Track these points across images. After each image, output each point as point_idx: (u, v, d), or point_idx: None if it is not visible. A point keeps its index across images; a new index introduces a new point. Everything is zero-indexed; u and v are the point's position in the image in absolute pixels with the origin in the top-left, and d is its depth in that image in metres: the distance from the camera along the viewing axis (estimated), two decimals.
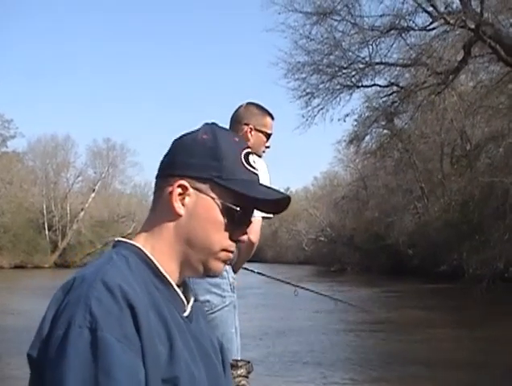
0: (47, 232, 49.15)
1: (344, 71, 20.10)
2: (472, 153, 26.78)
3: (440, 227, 27.63)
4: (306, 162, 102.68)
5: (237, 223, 1.11)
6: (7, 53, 76.11)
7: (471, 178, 25.10)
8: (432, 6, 17.71)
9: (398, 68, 20.25)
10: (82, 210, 50.60)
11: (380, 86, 21.02)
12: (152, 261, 1.08)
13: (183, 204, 1.10)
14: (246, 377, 2.71)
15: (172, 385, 0.99)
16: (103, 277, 0.97)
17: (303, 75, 20.41)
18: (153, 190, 1.16)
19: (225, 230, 1.10)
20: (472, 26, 16.59)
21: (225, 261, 1.13)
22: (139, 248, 1.09)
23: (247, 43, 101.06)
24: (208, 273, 1.12)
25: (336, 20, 19.23)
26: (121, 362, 0.92)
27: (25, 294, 21.13)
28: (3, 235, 43.90)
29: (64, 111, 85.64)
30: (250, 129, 3.11)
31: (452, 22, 16.95)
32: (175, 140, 1.16)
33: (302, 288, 4.62)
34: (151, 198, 1.16)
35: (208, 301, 2.85)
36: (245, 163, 1.12)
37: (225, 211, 1.09)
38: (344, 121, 21.92)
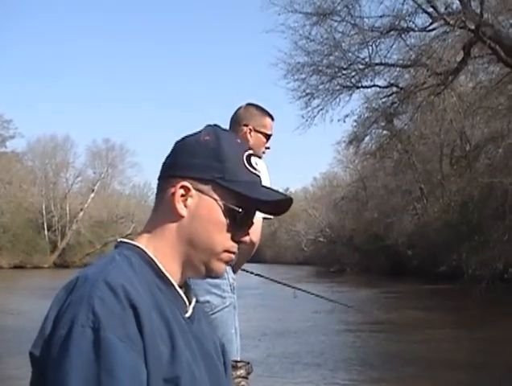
0: (46, 232, 49.16)
1: (343, 71, 20.09)
2: (471, 153, 26.81)
3: (440, 227, 27.65)
4: (305, 163, 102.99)
5: (239, 224, 1.11)
6: (7, 53, 76.35)
7: (470, 178, 25.11)
8: (432, 6, 17.71)
9: (397, 69, 20.25)
10: (81, 210, 50.62)
11: (380, 87, 21.02)
12: (154, 262, 1.08)
13: (185, 205, 1.10)
14: (246, 378, 2.71)
15: (174, 385, 0.99)
16: (106, 277, 0.97)
17: (303, 76, 20.42)
18: (155, 191, 1.16)
19: (227, 231, 1.11)
20: (472, 27, 16.59)
21: (227, 262, 1.13)
22: (142, 249, 1.09)
23: (247, 44, 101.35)
24: (210, 273, 1.13)
25: (335, 21, 19.23)
26: (123, 362, 0.92)
27: (24, 294, 21.13)
28: (2, 235, 43.91)
29: (64, 111, 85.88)
30: (250, 130, 3.10)
31: (451, 22, 16.96)
32: (178, 141, 1.16)
33: (300, 290, 4.61)
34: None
35: (208, 301, 2.85)
36: (247, 165, 1.12)
37: (227, 213, 1.10)
38: (344, 121, 21.95)
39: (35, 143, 52.71)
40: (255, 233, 2.78)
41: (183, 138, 1.16)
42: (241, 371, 2.69)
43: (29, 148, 52.55)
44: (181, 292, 1.11)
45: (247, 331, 10.12)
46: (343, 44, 19.47)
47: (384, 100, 21.42)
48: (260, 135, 3.13)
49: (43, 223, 49.12)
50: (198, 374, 1.04)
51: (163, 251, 1.10)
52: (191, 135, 1.16)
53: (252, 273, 3.91)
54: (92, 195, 52.32)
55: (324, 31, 19.54)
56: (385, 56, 19.43)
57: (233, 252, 1.13)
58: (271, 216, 2.47)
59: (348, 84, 20.46)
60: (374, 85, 20.90)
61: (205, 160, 1.10)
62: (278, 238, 64.14)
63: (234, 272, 3.07)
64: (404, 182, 34.09)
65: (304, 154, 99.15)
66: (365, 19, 18.88)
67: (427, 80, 18.71)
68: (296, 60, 20.30)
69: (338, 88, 20.51)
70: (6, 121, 46.20)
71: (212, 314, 2.86)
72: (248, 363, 2.77)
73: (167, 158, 1.15)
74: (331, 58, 19.94)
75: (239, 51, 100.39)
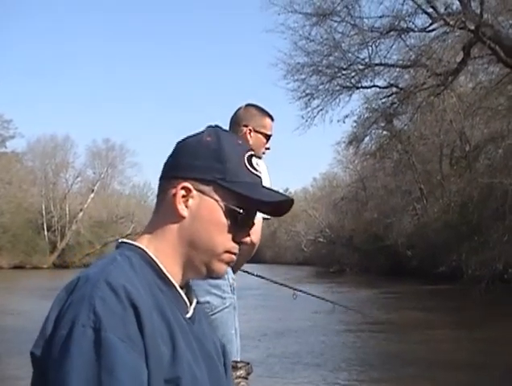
0: (46, 232, 49.14)
1: (343, 72, 20.09)
2: (471, 154, 26.82)
3: (439, 228, 27.64)
4: (305, 163, 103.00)
5: (240, 225, 1.12)
6: (7, 53, 76.41)
7: (470, 179, 25.11)
8: (432, 7, 17.71)
9: (397, 69, 20.25)
10: (81, 210, 50.62)
11: (379, 87, 21.03)
12: (156, 263, 1.08)
13: (186, 206, 1.10)
14: (246, 378, 2.71)
15: (174, 385, 1.00)
16: (107, 277, 0.98)
17: (303, 76, 20.43)
18: (155, 191, 1.16)
19: (229, 232, 1.11)
20: (472, 28, 16.59)
21: (228, 263, 1.13)
22: (143, 250, 1.09)
23: (247, 44, 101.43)
24: (211, 274, 1.13)
25: (335, 21, 19.24)
26: (124, 362, 0.92)
27: (24, 295, 21.13)
28: (2, 235, 43.88)
29: (64, 111, 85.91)
30: (250, 130, 3.09)
31: (451, 23, 16.96)
32: (179, 142, 1.16)
33: (300, 291, 4.60)
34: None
35: (208, 302, 2.84)
36: (248, 166, 1.13)
37: (229, 214, 1.10)
38: (344, 122, 21.96)
39: (34, 143, 52.81)
40: (255, 234, 2.78)
41: (184, 139, 1.16)
42: (241, 372, 2.69)
43: (29, 148, 52.65)
44: (182, 293, 1.11)
45: (247, 332, 10.13)
46: (343, 45, 19.50)
47: (384, 100, 21.45)
48: (260, 135, 3.13)
49: (42, 224, 49.10)
50: (199, 375, 1.05)
51: (164, 252, 1.10)
52: (192, 136, 1.16)
53: (252, 274, 3.90)
54: (92, 195, 52.33)
55: (324, 32, 19.57)
56: (384, 57, 19.47)
57: (234, 253, 1.13)
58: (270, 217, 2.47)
59: (347, 84, 20.47)
60: (374, 86, 20.92)
61: (206, 161, 1.11)
62: (277, 238, 64.15)
63: (234, 272, 3.07)
64: (404, 183, 34.08)
65: (304, 155, 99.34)
66: (365, 20, 18.91)
67: (427, 81, 18.71)
68: (296, 61, 20.33)
69: (338, 88, 20.52)
70: (5, 121, 46.25)
71: (212, 314, 2.86)
72: (248, 364, 2.76)
73: (169, 158, 1.16)
74: (331, 58, 19.95)
75: (239, 51, 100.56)
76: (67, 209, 50.58)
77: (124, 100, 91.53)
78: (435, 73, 18.33)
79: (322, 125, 22.04)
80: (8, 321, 13.96)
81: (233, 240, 1.12)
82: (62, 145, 53.96)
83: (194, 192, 1.10)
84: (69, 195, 52.11)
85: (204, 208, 1.10)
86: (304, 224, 52.12)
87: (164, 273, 1.08)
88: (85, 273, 1.02)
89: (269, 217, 3.14)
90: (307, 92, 20.54)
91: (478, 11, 16.80)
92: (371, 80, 20.52)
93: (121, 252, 1.08)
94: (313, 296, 5.02)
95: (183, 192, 1.10)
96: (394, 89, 20.57)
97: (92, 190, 52.74)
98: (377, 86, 20.93)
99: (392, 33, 18.57)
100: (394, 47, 19.30)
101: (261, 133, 3.13)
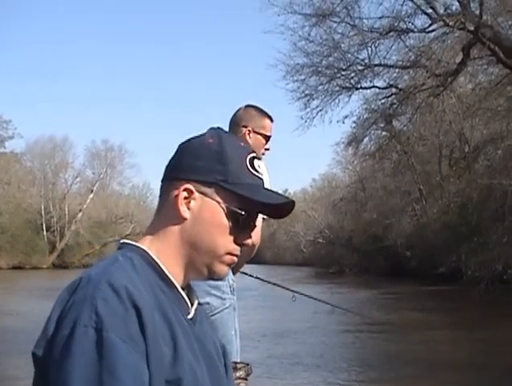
0: (45, 232, 49.07)
1: (343, 72, 20.08)
2: (470, 155, 26.84)
3: (439, 229, 27.65)
4: (304, 164, 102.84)
5: (241, 227, 1.12)
6: (7, 53, 76.22)
7: (469, 180, 25.13)
8: (431, 8, 17.72)
9: (396, 70, 20.25)
10: (80, 211, 50.57)
11: (379, 88, 21.03)
12: (157, 264, 1.09)
13: (188, 208, 1.10)
14: (245, 379, 2.71)
15: None
16: (109, 277, 0.98)
17: (302, 77, 20.41)
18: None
19: (230, 234, 1.11)
20: (472, 29, 16.60)
21: (229, 265, 1.14)
22: (145, 251, 1.10)
23: (247, 44, 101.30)
24: (213, 276, 1.14)
25: (335, 22, 19.23)
26: (125, 362, 0.92)
27: (23, 295, 21.12)
28: (1, 235, 43.83)
29: (63, 111, 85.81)
30: (249, 131, 3.09)
31: (451, 24, 16.96)
32: (181, 144, 1.17)
33: (300, 293, 4.60)
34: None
35: (207, 303, 2.84)
36: (249, 168, 1.13)
37: (230, 215, 1.10)
38: (343, 122, 21.95)
39: (33, 144, 52.72)
40: (256, 235, 2.77)
41: (186, 141, 1.17)
42: (241, 373, 2.69)
43: (28, 148, 52.56)
44: (183, 293, 1.12)
45: (247, 332, 10.12)
46: (342, 45, 19.50)
47: (383, 101, 21.46)
48: (259, 136, 3.13)
49: (41, 224, 49.06)
50: (200, 375, 1.05)
51: (166, 253, 1.10)
52: (194, 138, 1.16)
53: (251, 275, 3.90)
54: (91, 195, 52.29)
55: (324, 32, 19.56)
56: (384, 57, 19.47)
57: (236, 255, 1.14)
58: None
59: (347, 85, 20.47)
60: (373, 86, 20.92)
61: (208, 163, 1.11)
62: (277, 239, 64.11)
63: (234, 273, 3.07)
64: (403, 184, 34.09)
65: (303, 155, 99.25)
66: (365, 20, 18.91)
67: (427, 82, 18.71)
68: (295, 61, 20.32)
69: (337, 89, 20.51)
70: (5, 121, 46.11)
71: (212, 315, 2.86)
72: (247, 365, 2.77)
73: (171, 160, 1.16)
74: (330, 59, 19.95)
75: (239, 52, 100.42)
76: (66, 209, 50.53)
77: (123, 101, 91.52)
78: (434, 74, 18.34)
79: (321, 125, 21.99)
80: (7, 321, 13.95)
81: (235, 241, 1.12)
82: (61, 145, 53.93)
83: (196, 194, 1.10)
84: (68, 196, 52.05)
85: (205, 210, 1.10)
86: (303, 225, 52.12)
87: (166, 274, 1.09)
88: (87, 273, 1.02)
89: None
90: (307, 92, 20.55)
91: (478, 12, 16.82)
92: (370, 81, 20.54)
93: (123, 253, 1.08)
94: (312, 298, 5.02)
95: (185, 194, 1.10)
96: (394, 90, 20.57)
97: (92, 191, 52.69)
98: (376, 87, 20.95)
99: (391, 34, 18.58)
100: (393, 47, 19.34)
101: (260, 134, 3.13)
